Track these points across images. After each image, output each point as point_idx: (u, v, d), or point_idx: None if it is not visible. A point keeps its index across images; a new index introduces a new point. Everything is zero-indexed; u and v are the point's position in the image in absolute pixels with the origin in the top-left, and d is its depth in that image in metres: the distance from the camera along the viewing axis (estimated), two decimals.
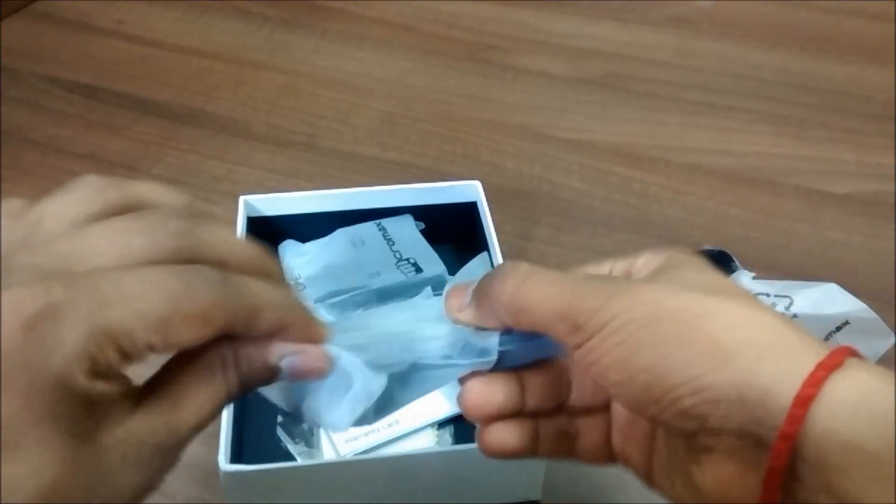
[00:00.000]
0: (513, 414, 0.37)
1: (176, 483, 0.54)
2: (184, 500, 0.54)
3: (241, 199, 0.64)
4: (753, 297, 0.32)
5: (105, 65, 0.95)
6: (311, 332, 0.33)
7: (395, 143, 0.84)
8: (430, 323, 0.37)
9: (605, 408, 0.38)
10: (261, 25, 1.02)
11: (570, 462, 0.38)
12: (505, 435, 0.36)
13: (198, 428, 0.30)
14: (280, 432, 0.56)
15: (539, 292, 0.33)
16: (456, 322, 0.36)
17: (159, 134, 0.85)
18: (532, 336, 0.35)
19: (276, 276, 0.32)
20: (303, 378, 0.32)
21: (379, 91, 0.92)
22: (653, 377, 0.30)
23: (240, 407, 0.53)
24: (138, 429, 0.28)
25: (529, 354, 0.36)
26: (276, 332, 0.31)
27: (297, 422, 0.56)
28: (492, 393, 0.36)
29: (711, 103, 0.90)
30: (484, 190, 0.66)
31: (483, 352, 0.36)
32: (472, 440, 0.55)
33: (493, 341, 0.36)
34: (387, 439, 0.55)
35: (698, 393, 0.29)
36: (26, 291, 0.25)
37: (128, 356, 0.26)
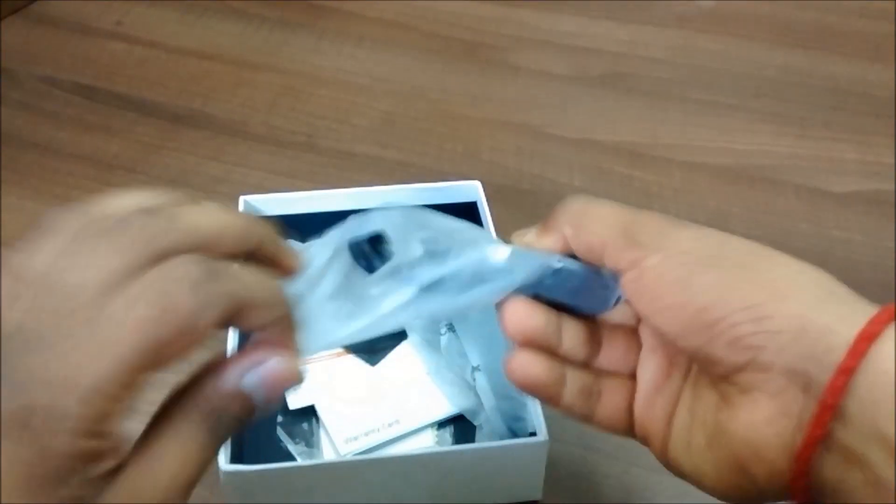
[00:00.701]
0: (547, 348, 0.37)
1: None
2: None
3: (241, 199, 0.64)
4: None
5: (104, 66, 0.95)
6: (287, 333, 0.31)
7: (394, 143, 0.84)
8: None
9: (630, 375, 0.38)
10: (259, 26, 1.02)
11: (586, 425, 0.38)
12: (535, 364, 0.36)
13: (183, 482, 0.30)
14: (280, 432, 0.56)
15: (605, 209, 0.35)
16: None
17: (158, 135, 0.85)
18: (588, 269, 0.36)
19: (268, 248, 0.32)
20: (275, 392, 0.30)
21: (378, 90, 0.92)
22: (712, 301, 0.31)
23: None
24: (124, 491, 0.27)
25: (582, 285, 0.36)
26: (260, 328, 0.30)
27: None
28: (534, 314, 0.36)
29: (712, 102, 0.90)
30: (484, 189, 0.65)
31: (540, 267, 0.35)
32: (472, 440, 0.55)
33: (553, 258, 0.36)
34: (387, 439, 0.55)
35: (759, 321, 0.29)
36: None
37: (122, 398, 0.26)
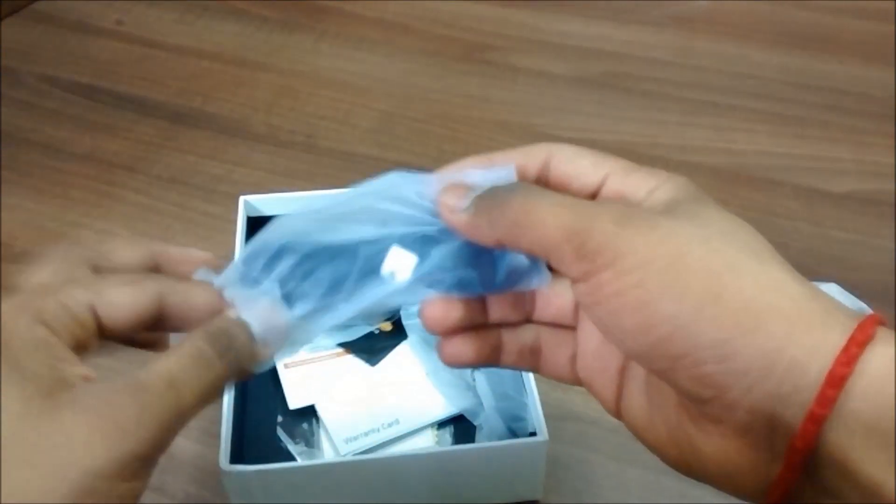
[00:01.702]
0: (474, 327, 0.36)
1: (176, 483, 0.54)
2: (184, 500, 0.54)
3: (241, 199, 0.64)
4: (775, 254, 0.29)
5: (104, 65, 0.95)
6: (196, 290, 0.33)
7: (394, 143, 0.84)
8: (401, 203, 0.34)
9: (570, 328, 0.36)
10: (260, 26, 1.02)
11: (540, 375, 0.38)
12: (463, 347, 0.36)
13: (179, 381, 0.30)
14: (280, 432, 0.56)
15: (548, 208, 0.30)
16: (447, 223, 0.33)
17: (158, 134, 0.85)
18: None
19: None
20: (269, 328, 0.33)
21: (378, 91, 0.92)
22: (674, 331, 0.28)
23: (240, 407, 0.53)
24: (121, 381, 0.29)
25: (508, 281, 0.35)
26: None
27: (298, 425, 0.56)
28: (452, 308, 0.35)
29: (711, 102, 0.90)
30: None
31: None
32: (472, 440, 0.55)
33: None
34: (387, 439, 0.55)
35: (724, 360, 0.27)
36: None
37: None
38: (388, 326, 0.63)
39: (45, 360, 0.28)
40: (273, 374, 0.59)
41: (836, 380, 0.25)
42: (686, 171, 0.81)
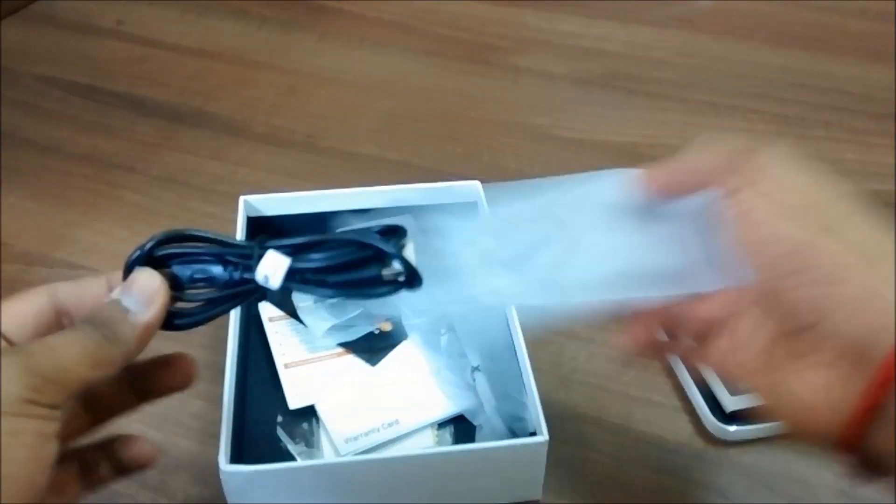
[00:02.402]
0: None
1: (176, 482, 0.54)
2: (183, 500, 0.54)
3: (241, 199, 0.64)
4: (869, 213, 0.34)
5: (104, 65, 0.95)
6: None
7: (395, 143, 0.84)
8: None
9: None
10: (260, 26, 1.02)
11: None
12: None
13: (70, 363, 0.33)
14: (280, 432, 0.56)
15: (719, 142, 0.36)
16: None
17: (158, 134, 0.85)
18: None
19: None
20: (143, 298, 0.36)
21: (379, 91, 0.92)
22: (797, 248, 0.32)
23: (240, 407, 0.53)
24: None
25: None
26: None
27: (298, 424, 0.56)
28: (647, 331, 0.39)
29: (713, 102, 0.90)
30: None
31: None
32: (472, 440, 0.55)
33: None
34: (387, 439, 0.55)
35: (833, 284, 0.31)
36: None
37: None
38: (387, 326, 0.62)
39: None
40: (273, 374, 0.59)
41: None
42: None
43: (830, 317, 0.31)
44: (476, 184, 0.66)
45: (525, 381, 0.53)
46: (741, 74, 0.94)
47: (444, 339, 0.60)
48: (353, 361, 0.60)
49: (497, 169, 0.80)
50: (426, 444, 0.55)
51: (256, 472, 0.47)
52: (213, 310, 0.38)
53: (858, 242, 0.32)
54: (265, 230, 0.65)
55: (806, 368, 0.32)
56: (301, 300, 0.63)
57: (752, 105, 0.89)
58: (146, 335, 0.36)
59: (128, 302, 0.36)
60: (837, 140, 0.85)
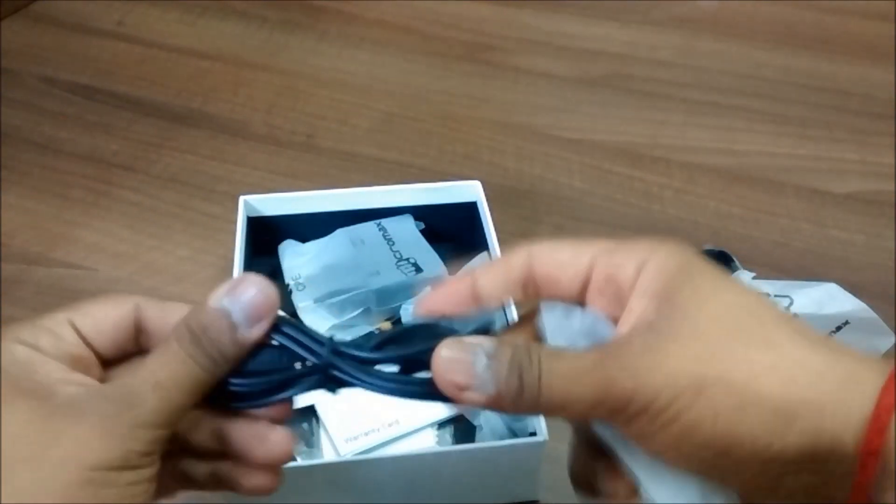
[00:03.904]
0: None
1: None
2: (183, 500, 0.53)
3: (241, 199, 0.64)
4: (782, 320, 0.30)
5: (104, 66, 0.95)
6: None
7: (395, 143, 0.84)
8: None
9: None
10: (260, 26, 1.02)
11: None
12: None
13: (165, 384, 0.31)
14: None
15: (562, 389, 0.30)
16: (454, 398, 0.31)
17: (158, 135, 0.85)
18: None
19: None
20: (253, 314, 0.32)
21: (379, 91, 0.91)
22: (716, 453, 0.29)
23: None
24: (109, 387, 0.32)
25: None
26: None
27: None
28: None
29: (713, 102, 0.90)
30: (485, 189, 0.65)
31: None
32: (472, 440, 0.55)
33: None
34: (387, 439, 0.55)
35: (769, 464, 0.28)
36: None
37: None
38: (387, 326, 0.62)
39: (28, 374, 0.30)
40: None
41: (873, 450, 0.27)
42: (688, 172, 0.82)
43: (784, 480, 0.29)
44: (476, 184, 0.66)
45: None
46: (742, 75, 0.94)
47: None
48: None
49: (497, 168, 0.80)
50: (426, 444, 0.55)
51: None
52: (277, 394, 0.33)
53: (771, 407, 0.28)
54: (265, 230, 0.65)
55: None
56: (301, 300, 0.63)
57: (753, 105, 0.89)
58: (242, 358, 0.32)
59: (236, 313, 0.31)
60: (838, 140, 0.85)
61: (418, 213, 0.68)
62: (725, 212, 0.76)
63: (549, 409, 0.30)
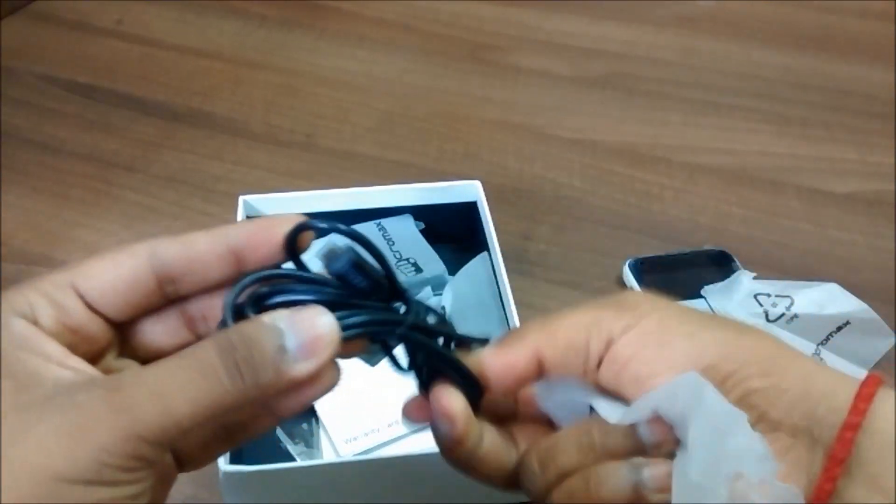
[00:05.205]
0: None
1: (175, 483, 0.54)
2: (182, 500, 0.54)
3: (241, 198, 0.63)
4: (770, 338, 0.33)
5: (103, 64, 0.95)
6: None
7: (394, 143, 0.84)
8: None
9: None
10: (259, 25, 1.02)
11: None
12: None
13: (190, 400, 0.26)
14: (280, 432, 0.55)
15: (575, 312, 0.35)
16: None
17: (158, 134, 0.85)
18: None
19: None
20: (308, 342, 0.28)
21: (378, 90, 0.91)
22: (720, 353, 0.31)
23: None
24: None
25: None
26: None
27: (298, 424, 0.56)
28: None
29: (713, 102, 0.90)
30: (485, 189, 0.65)
31: None
32: None
33: None
34: (387, 440, 0.55)
35: (769, 376, 0.30)
36: None
37: None
38: None
39: (19, 355, 0.26)
40: None
41: (865, 397, 0.29)
42: (688, 172, 0.82)
43: (774, 408, 0.30)
44: (476, 184, 0.66)
45: None
46: (742, 74, 0.94)
47: (443, 339, 0.60)
48: (353, 361, 0.60)
49: (498, 168, 0.80)
50: (426, 444, 0.55)
51: (256, 472, 0.47)
52: None
53: (772, 341, 0.32)
54: None
55: None
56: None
57: (752, 105, 0.89)
58: (282, 392, 0.28)
59: (290, 339, 0.27)
60: (838, 140, 0.85)
61: (418, 212, 0.68)
62: (725, 212, 0.76)
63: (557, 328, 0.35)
